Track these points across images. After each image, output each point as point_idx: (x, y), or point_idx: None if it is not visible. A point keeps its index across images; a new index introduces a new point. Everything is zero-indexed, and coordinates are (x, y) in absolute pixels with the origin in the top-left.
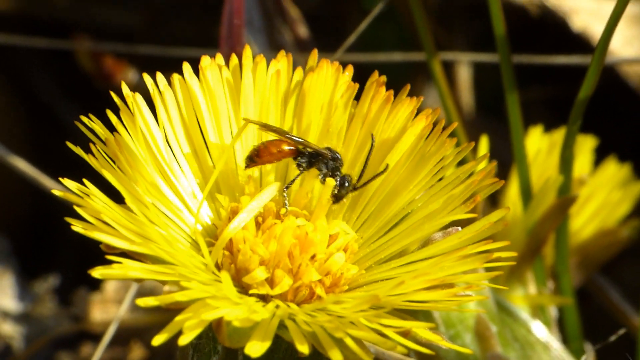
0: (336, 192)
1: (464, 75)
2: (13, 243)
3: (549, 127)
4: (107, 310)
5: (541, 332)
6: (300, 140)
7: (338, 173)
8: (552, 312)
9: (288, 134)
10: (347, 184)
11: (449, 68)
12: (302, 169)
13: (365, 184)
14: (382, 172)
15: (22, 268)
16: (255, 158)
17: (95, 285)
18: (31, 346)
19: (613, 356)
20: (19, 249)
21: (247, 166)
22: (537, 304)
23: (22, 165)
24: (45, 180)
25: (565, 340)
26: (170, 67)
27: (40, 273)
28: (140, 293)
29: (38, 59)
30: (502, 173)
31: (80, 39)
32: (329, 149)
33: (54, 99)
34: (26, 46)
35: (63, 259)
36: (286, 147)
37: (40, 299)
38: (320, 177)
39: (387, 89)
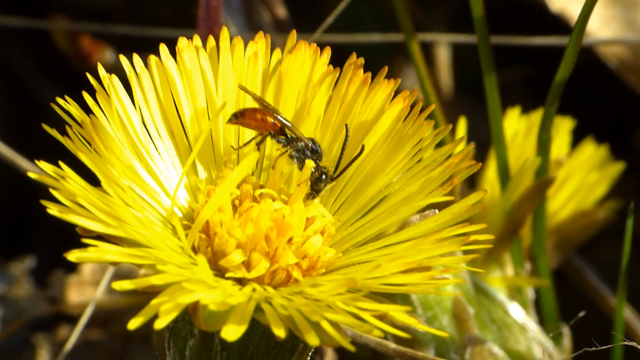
0: (314, 185)
1: (443, 56)
2: None
3: (528, 108)
4: (83, 292)
5: (518, 313)
6: (287, 123)
7: (316, 165)
8: (529, 293)
9: (279, 113)
10: (324, 177)
11: (428, 49)
12: (281, 145)
13: (342, 172)
14: (358, 155)
15: None
16: (238, 115)
17: (72, 267)
18: (7, 328)
19: (590, 337)
20: None
21: (229, 121)
22: (515, 286)
23: None
24: (22, 162)
25: (542, 321)
26: (148, 48)
27: (16, 255)
28: (117, 275)
29: (15, 38)
30: (481, 153)
31: (56, 19)
32: (312, 140)
33: (31, 79)
34: (2, 25)
35: (39, 240)
36: (270, 120)
37: (16, 280)
38: (295, 163)
39: (366, 70)
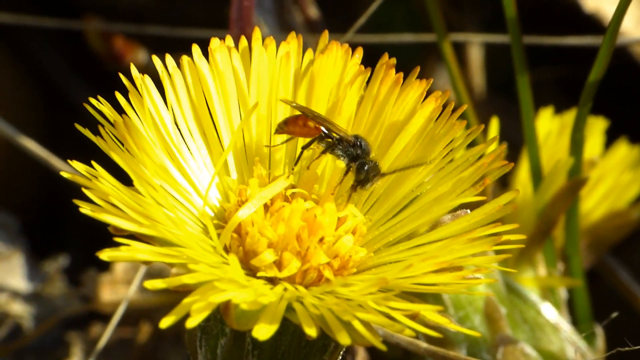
0: (357, 176)
1: (476, 56)
2: (23, 223)
3: (562, 107)
4: (116, 291)
5: (551, 313)
6: (329, 125)
7: (361, 160)
8: (562, 293)
9: (320, 117)
10: (364, 168)
11: (460, 49)
12: (325, 146)
13: (393, 172)
14: (416, 166)
15: (31, 248)
16: (283, 125)
17: (105, 265)
18: (41, 326)
19: (623, 337)
20: (28, 228)
21: (276, 131)
22: (547, 286)
23: (32, 145)
24: (55, 161)
25: (575, 322)
26: (181, 48)
27: (50, 253)
28: (150, 274)
29: (50, 39)
30: (513, 154)
31: (90, 19)
32: (356, 136)
33: (66, 80)
34: (37, 26)
35: (73, 239)
36: (312, 124)
37: (50, 279)
38: (342, 160)
39: (398, 70)
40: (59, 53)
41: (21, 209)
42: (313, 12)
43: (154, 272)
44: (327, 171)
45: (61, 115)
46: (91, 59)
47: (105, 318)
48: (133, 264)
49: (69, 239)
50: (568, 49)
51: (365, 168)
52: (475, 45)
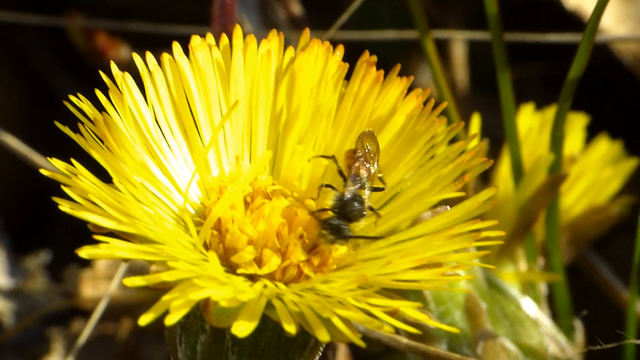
0: (322, 227)
1: (459, 53)
2: (5, 219)
3: (545, 104)
4: (97, 287)
5: (531, 308)
6: (361, 170)
7: (331, 217)
8: (542, 288)
9: (360, 162)
10: (324, 225)
11: (444, 46)
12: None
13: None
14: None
15: (13, 244)
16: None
17: (86, 261)
18: (22, 322)
19: (603, 332)
20: (10, 224)
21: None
22: (527, 281)
23: (13, 142)
24: (37, 158)
25: (555, 316)
26: (166, 45)
27: (32, 249)
28: (132, 270)
29: (39, 34)
30: (496, 150)
31: (72, 15)
32: (353, 195)
33: (52, 76)
34: (21, 23)
35: (55, 235)
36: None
37: (31, 275)
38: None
39: (383, 67)
40: (47, 48)
41: (3, 205)
42: (296, 8)
43: (135, 268)
44: (307, 169)
45: (47, 110)
46: (78, 55)
47: (86, 314)
48: (115, 260)
49: (51, 234)
50: (551, 46)
51: (324, 226)
52: (459, 42)
